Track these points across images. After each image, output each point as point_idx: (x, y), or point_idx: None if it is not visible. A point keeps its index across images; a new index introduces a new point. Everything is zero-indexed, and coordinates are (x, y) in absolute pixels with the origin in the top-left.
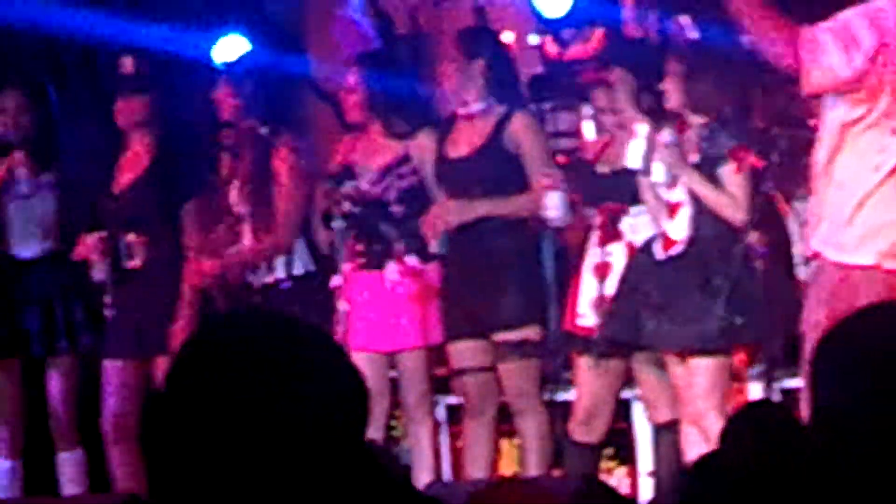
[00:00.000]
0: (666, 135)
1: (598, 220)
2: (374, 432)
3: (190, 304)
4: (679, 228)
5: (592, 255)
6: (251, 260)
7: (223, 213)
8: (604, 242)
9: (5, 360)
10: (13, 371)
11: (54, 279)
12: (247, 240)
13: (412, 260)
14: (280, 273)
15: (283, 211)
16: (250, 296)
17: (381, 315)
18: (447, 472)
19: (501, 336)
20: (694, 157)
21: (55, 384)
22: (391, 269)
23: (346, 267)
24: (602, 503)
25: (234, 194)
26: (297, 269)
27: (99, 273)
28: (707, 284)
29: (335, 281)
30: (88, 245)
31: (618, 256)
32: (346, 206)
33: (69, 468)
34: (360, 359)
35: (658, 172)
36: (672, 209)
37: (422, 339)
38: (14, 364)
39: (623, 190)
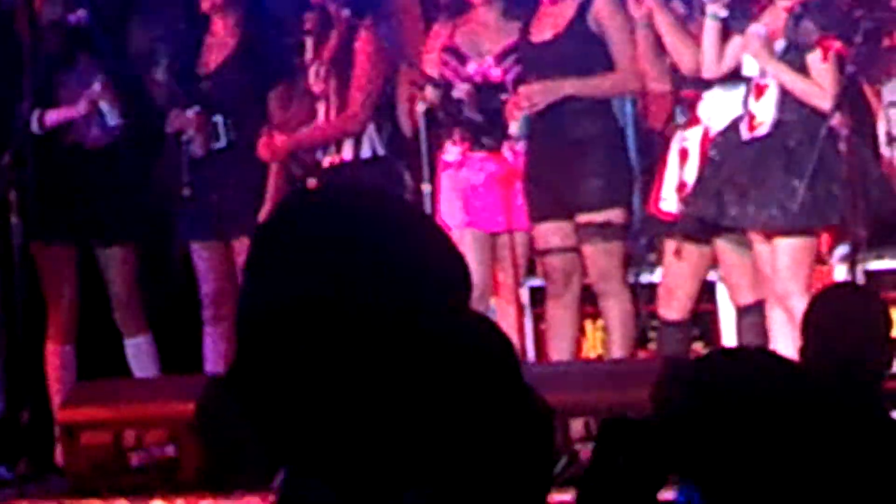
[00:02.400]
0: (754, 27)
1: (680, 101)
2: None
3: (277, 188)
4: (765, 109)
5: (676, 141)
6: (323, 138)
7: (304, 94)
8: (686, 126)
9: (64, 247)
10: (71, 257)
11: (117, 168)
12: (321, 119)
13: (505, 144)
14: (347, 154)
15: (359, 93)
16: (318, 175)
17: (477, 199)
18: (532, 355)
19: (585, 218)
20: (780, 44)
21: (114, 272)
22: (483, 154)
23: (453, 150)
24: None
25: (313, 75)
26: (365, 152)
27: (198, 149)
28: (792, 165)
29: (448, 158)
30: (186, 119)
31: (694, 141)
32: (434, 90)
33: (137, 354)
34: (459, 235)
35: (748, 64)
36: (759, 90)
37: (511, 222)
38: (72, 251)
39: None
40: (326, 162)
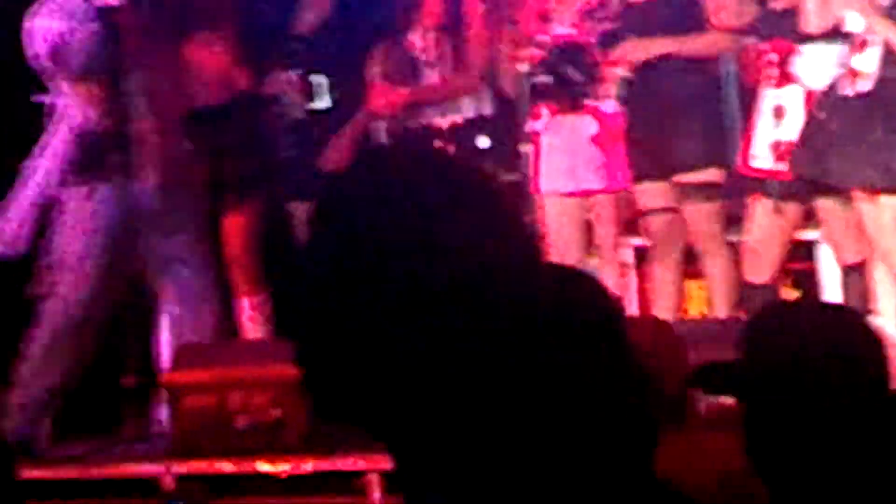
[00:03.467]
0: None
1: (771, 58)
2: None
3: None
4: (868, 63)
5: (769, 97)
6: (440, 97)
7: (407, 56)
8: (779, 84)
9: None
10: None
11: (227, 128)
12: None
13: (606, 104)
14: (470, 113)
15: (476, 54)
16: (432, 136)
17: (576, 159)
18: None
19: (684, 177)
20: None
21: (235, 231)
22: (585, 114)
23: (541, 111)
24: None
25: (419, 40)
26: (484, 110)
27: (296, 111)
28: (893, 122)
29: (537, 125)
30: (285, 81)
31: (792, 99)
32: (534, 51)
33: (252, 315)
34: (553, 202)
35: (851, 20)
36: (861, 44)
37: (613, 182)
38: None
39: (795, 27)
40: (447, 123)
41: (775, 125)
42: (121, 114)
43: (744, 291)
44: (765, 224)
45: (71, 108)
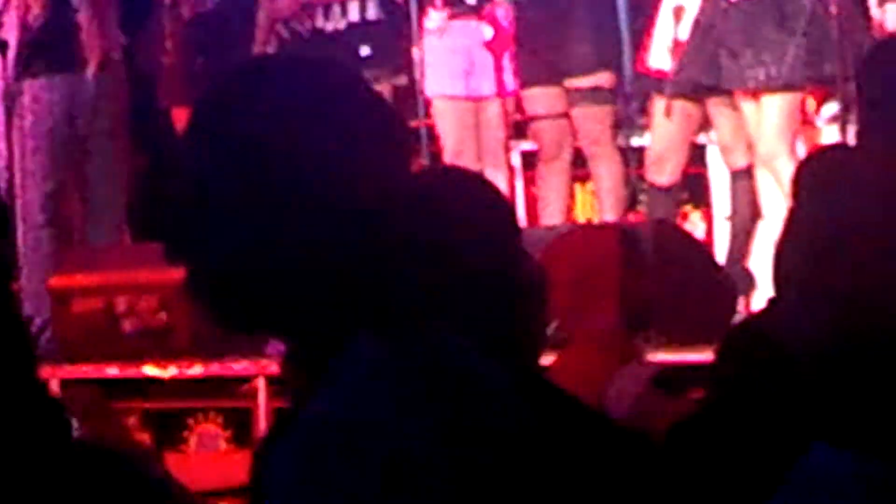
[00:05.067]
0: None
1: None
2: None
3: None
4: None
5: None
6: None
7: None
8: None
9: None
10: None
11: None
12: None
13: (497, 10)
14: (354, 17)
15: None
16: (320, 40)
17: (467, 63)
18: (522, 219)
19: (574, 82)
20: None
21: None
22: (475, 18)
23: (437, 14)
24: (677, 245)
25: None
26: (371, 14)
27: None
28: (781, 23)
29: (429, 25)
30: None
31: (691, 0)
32: None
33: None
34: (444, 105)
35: None
36: None
37: (502, 87)
38: None
39: None
40: (330, 26)
41: (675, 25)
42: (62, 6)
43: (648, 193)
44: (664, 126)
45: (17, 4)
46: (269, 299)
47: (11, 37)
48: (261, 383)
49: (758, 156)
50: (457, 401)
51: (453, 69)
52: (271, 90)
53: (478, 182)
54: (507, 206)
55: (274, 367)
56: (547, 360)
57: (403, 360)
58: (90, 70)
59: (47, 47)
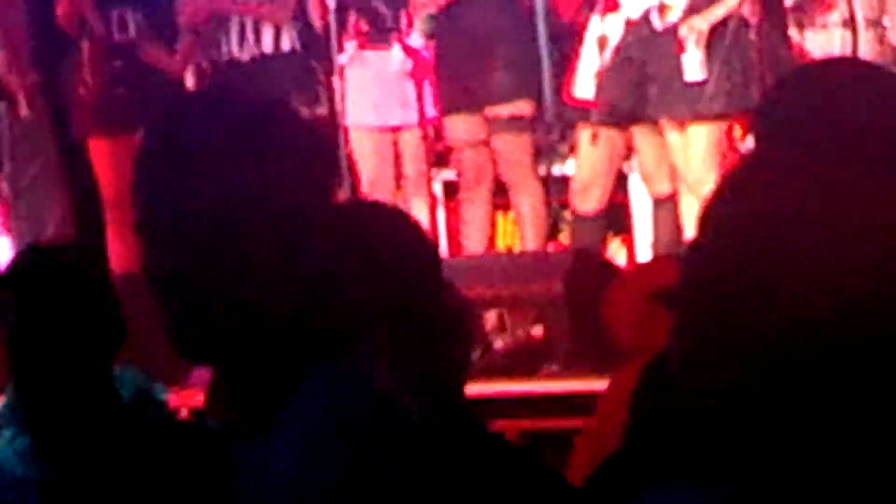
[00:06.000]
0: None
1: None
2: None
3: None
4: None
5: (594, 27)
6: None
7: None
8: (603, 13)
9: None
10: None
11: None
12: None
13: (415, 39)
14: (268, 48)
15: None
16: (237, 70)
17: (383, 92)
18: (444, 247)
19: (494, 110)
20: None
21: None
22: (395, 48)
23: (349, 45)
24: (596, 275)
25: None
26: (285, 45)
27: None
28: (705, 53)
29: (342, 58)
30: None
31: (614, 28)
32: None
33: None
34: (361, 135)
35: None
36: None
37: (421, 116)
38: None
39: None
40: (246, 56)
41: (599, 55)
42: None
43: (573, 222)
44: (590, 154)
45: None
46: (202, 328)
47: None
48: (183, 414)
49: (685, 183)
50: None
51: (368, 99)
52: (205, 126)
53: (397, 216)
54: (426, 238)
55: (199, 398)
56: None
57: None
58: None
59: None
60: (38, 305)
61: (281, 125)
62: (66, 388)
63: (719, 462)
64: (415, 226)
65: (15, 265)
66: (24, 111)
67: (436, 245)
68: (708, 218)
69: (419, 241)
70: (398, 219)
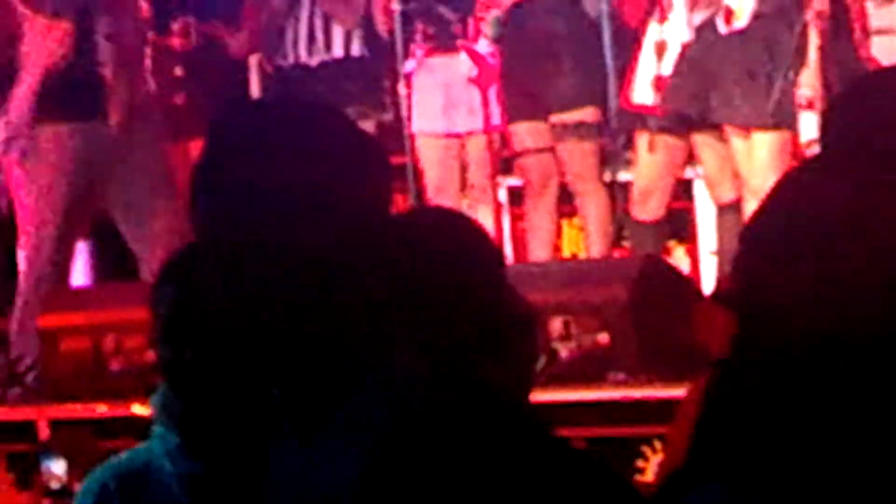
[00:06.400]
0: None
1: None
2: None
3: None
4: (743, 2)
5: (652, 33)
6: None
7: None
8: (661, 20)
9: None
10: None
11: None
12: None
13: (479, 44)
14: (338, 53)
15: None
16: (304, 75)
17: (450, 99)
18: (509, 254)
19: (559, 117)
20: None
21: None
22: (462, 55)
23: (417, 51)
24: (662, 281)
25: None
26: (355, 51)
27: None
28: (769, 59)
29: (409, 65)
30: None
31: (674, 33)
32: None
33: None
34: (427, 142)
35: None
36: None
37: (487, 123)
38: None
39: None
40: (315, 61)
41: (658, 60)
42: (89, 55)
43: (632, 229)
44: (648, 161)
45: (42, 48)
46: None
47: (30, 79)
48: None
49: (749, 189)
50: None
51: (435, 106)
52: (266, 137)
53: (462, 221)
54: (492, 244)
55: None
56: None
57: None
58: (112, 121)
59: (69, 94)
60: (195, 299)
61: (333, 133)
62: (220, 386)
63: (759, 463)
64: (479, 230)
65: (174, 260)
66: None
67: (500, 249)
68: (763, 216)
69: (483, 245)
70: (462, 223)
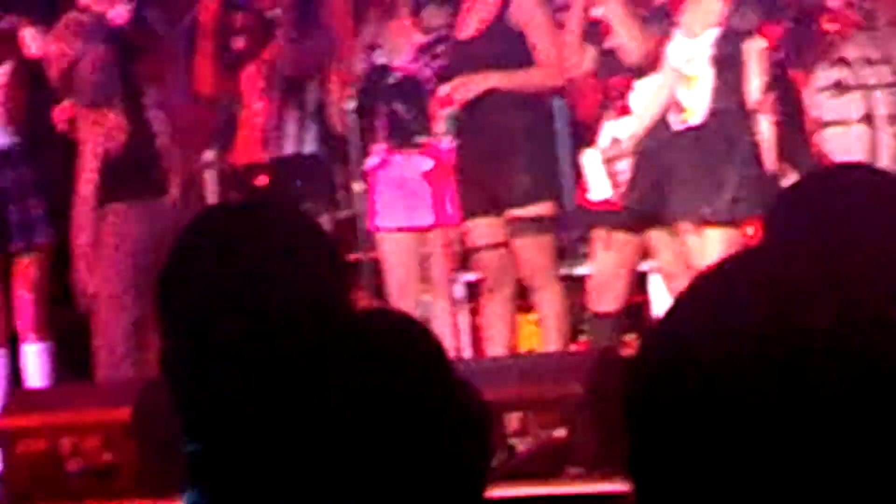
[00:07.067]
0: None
1: (609, 94)
2: (409, 310)
3: None
4: (696, 99)
5: (607, 129)
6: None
7: None
8: (615, 116)
9: None
10: None
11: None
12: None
13: (438, 140)
14: (289, 149)
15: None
16: (258, 171)
17: (410, 195)
18: (467, 349)
19: (515, 212)
20: (713, 33)
21: (23, 278)
22: (417, 151)
23: (377, 148)
24: (620, 374)
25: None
26: (308, 148)
27: None
28: (722, 156)
29: (369, 161)
30: None
31: (626, 131)
32: (351, 90)
33: (36, 359)
34: (387, 238)
35: (674, 55)
36: (689, 81)
37: (445, 218)
38: None
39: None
40: (267, 157)
41: (613, 157)
42: (142, 132)
43: (590, 322)
44: (605, 256)
45: (91, 135)
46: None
47: (93, 163)
48: None
49: None
50: None
51: (396, 202)
52: (229, 240)
53: (407, 324)
54: (438, 346)
55: None
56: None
57: None
58: (171, 195)
59: (129, 173)
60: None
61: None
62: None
63: None
64: (424, 332)
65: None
66: (181, 196)
67: (443, 347)
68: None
69: (429, 350)
70: (405, 325)
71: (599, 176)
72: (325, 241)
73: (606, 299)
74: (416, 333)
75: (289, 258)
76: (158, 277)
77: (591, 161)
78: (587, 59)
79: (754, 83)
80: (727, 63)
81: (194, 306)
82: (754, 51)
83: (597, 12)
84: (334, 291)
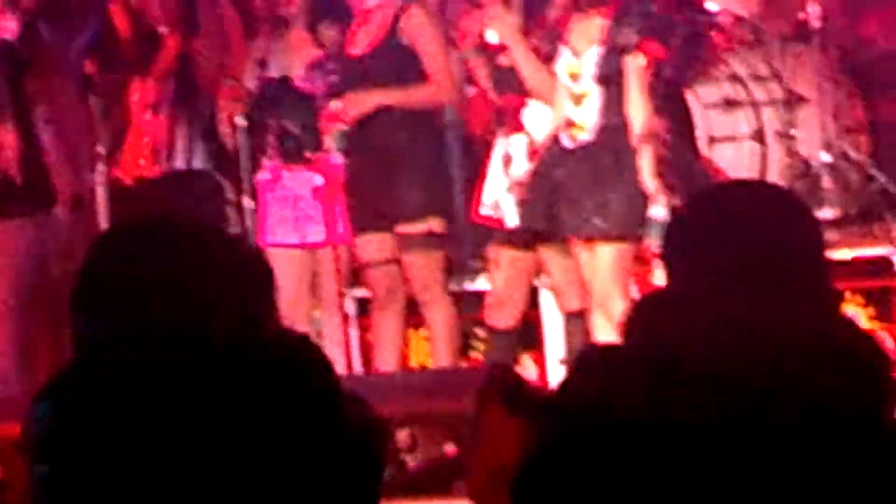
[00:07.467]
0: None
1: (502, 111)
2: (301, 326)
3: None
4: (586, 116)
5: (499, 146)
6: None
7: None
8: (508, 133)
9: None
10: None
11: None
12: None
13: (326, 157)
14: (180, 164)
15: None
16: (145, 187)
17: (301, 211)
18: (357, 365)
19: (404, 228)
20: (595, 50)
21: None
22: (307, 167)
23: (268, 164)
24: (510, 390)
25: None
26: (197, 163)
27: None
28: (611, 172)
29: (260, 177)
30: None
31: (518, 148)
32: (241, 105)
33: None
34: (278, 254)
35: (561, 72)
36: (578, 98)
37: (334, 235)
38: None
39: (522, 83)
40: (156, 171)
41: (504, 174)
42: (32, 147)
43: (487, 336)
44: (499, 272)
45: None
46: None
47: None
48: None
49: (593, 298)
50: None
51: (286, 218)
52: (142, 257)
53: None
54: (329, 367)
55: None
56: None
57: None
58: (60, 211)
59: (17, 190)
60: (72, 418)
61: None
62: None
63: None
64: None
65: (54, 380)
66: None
67: (331, 363)
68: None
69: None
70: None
71: (493, 192)
72: (246, 256)
73: (503, 315)
74: (306, 353)
75: (207, 277)
76: (71, 294)
77: (487, 177)
78: (481, 76)
79: (634, 100)
80: (611, 80)
81: (105, 322)
82: (633, 67)
83: (492, 39)
84: (254, 304)
